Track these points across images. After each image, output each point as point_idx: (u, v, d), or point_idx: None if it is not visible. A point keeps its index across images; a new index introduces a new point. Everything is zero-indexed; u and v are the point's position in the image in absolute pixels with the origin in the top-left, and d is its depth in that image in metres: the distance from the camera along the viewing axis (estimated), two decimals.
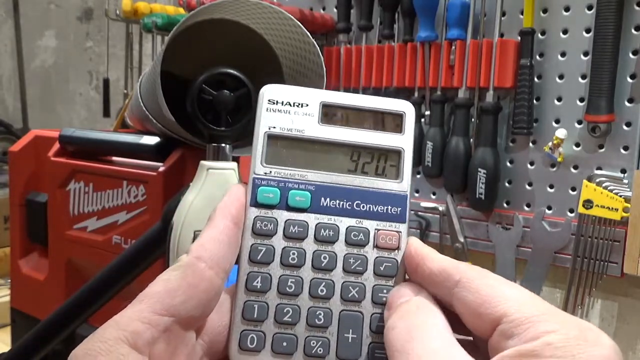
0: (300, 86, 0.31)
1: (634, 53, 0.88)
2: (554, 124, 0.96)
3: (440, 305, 0.27)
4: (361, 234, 0.29)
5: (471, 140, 1.01)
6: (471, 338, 0.27)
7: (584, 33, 0.92)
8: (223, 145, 0.53)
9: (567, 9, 0.94)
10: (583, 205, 0.91)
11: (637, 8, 0.87)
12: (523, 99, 0.95)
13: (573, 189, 0.95)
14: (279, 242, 0.29)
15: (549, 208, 0.98)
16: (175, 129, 0.59)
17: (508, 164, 1.02)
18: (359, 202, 0.29)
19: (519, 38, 0.96)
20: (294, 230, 0.29)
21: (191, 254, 0.27)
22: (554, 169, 0.97)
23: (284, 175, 0.29)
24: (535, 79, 0.97)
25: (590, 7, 0.91)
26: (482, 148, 0.99)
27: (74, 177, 0.77)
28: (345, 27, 1.14)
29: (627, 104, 0.89)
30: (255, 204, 0.29)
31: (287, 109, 0.30)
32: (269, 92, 0.30)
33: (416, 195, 1.12)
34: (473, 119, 1.01)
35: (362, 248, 0.29)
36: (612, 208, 0.88)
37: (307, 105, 0.30)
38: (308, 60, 0.57)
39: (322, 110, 0.30)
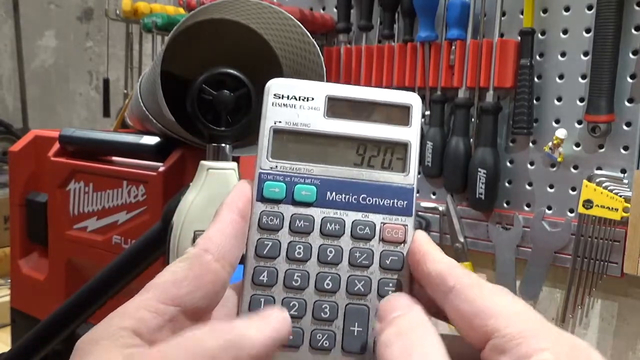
0: None
1: (634, 53, 0.88)
2: (554, 124, 0.96)
3: (436, 308, 0.27)
4: (367, 228, 0.29)
5: (471, 140, 1.01)
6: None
7: (584, 33, 0.92)
8: (223, 145, 0.53)
9: (567, 9, 0.94)
10: (583, 205, 0.91)
11: (637, 8, 0.87)
12: (523, 99, 0.95)
13: (573, 189, 0.95)
14: (285, 236, 0.29)
15: (549, 208, 0.98)
16: (175, 129, 0.59)
17: (508, 164, 1.02)
18: (365, 195, 0.29)
19: (519, 38, 0.96)
20: (300, 225, 0.29)
21: (198, 246, 0.27)
22: (554, 169, 0.97)
23: (289, 170, 0.29)
24: (535, 79, 0.97)
25: (590, 7, 0.91)
26: (482, 148, 0.99)
27: (74, 177, 0.77)
28: (345, 27, 1.13)
29: (627, 104, 0.89)
30: (262, 198, 0.29)
31: (293, 103, 0.30)
32: (274, 86, 0.30)
33: (416, 195, 1.12)
34: (473, 119, 1.01)
35: (368, 242, 0.29)
36: (612, 208, 0.88)
37: (313, 99, 0.30)
38: (308, 60, 0.57)
39: (328, 104, 0.30)
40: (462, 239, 1.04)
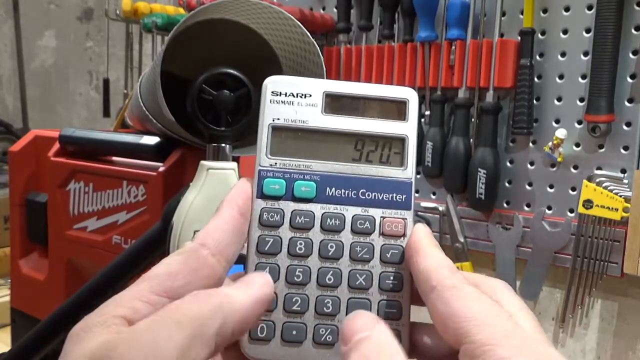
0: None
1: (634, 53, 0.88)
2: (554, 124, 0.96)
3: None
4: (367, 222, 0.29)
5: (471, 140, 1.01)
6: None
7: (584, 33, 0.92)
8: (223, 145, 0.53)
9: (567, 9, 0.94)
10: (583, 205, 0.91)
11: (637, 8, 0.87)
12: (523, 99, 0.95)
13: (573, 189, 0.95)
14: (285, 232, 0.29)
15: (549, 208, 0.98)
16: (175, 129, 0.59)
17: (508, 164, 1.02)
18: (364, 190, 0.30)
19: (519, 38, 0.96)
20: (300, 221, 0.29)
21: (196, 240, 0.27)
22: (554, 169, 0.97)
23: (289, 166, 0.30)
24: (535, 79, 0.97)
25: (590, 7, 0.91)
26: (482, 148, 0.99)
27: (74, 177, 0.77)
28: (345, 27, 1.14)
29: (627, 104, 0.89)
30: (262, 195, 0.29)
31: (291, 99, 0.30)
32: (272, 83, 0.30)
33: (416, 195, 1.11)
34: (473, 119, 1.01)
35: (369, 236, 0.29)
36: (612, 208, 0.88)
37: (311, 95, 0.30)
38: (308, 60, 0.57)
39: (326, 100, 0.30)
40: (462, 239, 1.04)
